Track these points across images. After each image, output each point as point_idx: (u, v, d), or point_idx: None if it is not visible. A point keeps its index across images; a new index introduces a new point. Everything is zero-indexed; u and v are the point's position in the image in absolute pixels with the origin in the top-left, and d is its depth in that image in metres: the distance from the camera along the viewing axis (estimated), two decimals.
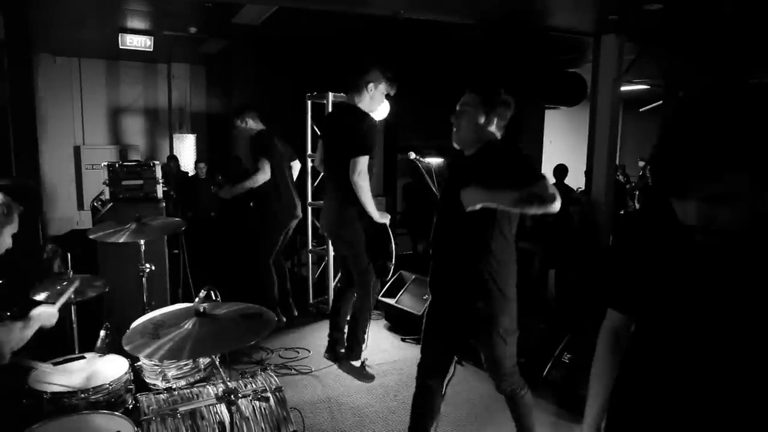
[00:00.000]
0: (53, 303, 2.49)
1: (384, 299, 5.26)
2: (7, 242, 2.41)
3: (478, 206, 2.35)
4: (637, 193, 9.97)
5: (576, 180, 8.69)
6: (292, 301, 5.35)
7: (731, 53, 6.46)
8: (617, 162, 8.35)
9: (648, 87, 10.60)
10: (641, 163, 11.94)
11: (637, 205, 11.07)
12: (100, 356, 2.76)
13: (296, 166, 5.35)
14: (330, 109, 5.02)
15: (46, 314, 2.38)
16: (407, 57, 6.89)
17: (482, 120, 2.61)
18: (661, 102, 10.76)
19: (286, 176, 5.08)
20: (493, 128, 2.63)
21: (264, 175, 4.73)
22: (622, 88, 6.67)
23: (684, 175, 1.10)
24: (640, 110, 12.08)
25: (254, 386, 2.58)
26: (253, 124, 4.96)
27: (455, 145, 2.72)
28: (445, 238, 2.66)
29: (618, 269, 1.54)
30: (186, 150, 9.89)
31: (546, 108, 9.78)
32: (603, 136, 6.29)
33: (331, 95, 5.35)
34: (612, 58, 6.10)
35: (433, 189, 3.62)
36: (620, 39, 6.09)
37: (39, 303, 2.65)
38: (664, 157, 1.15)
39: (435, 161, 3.88)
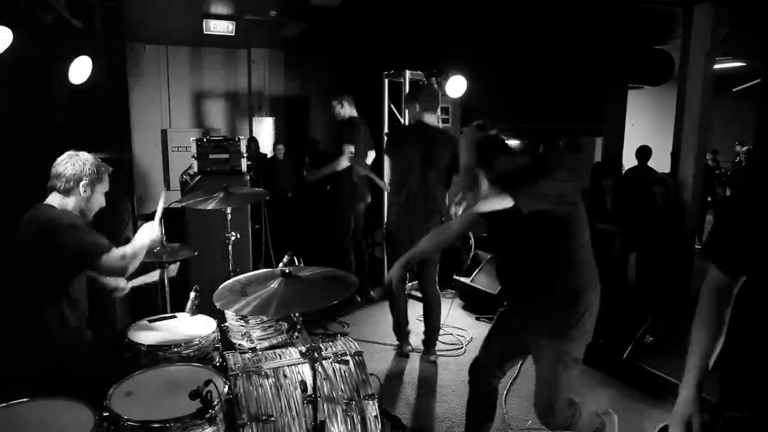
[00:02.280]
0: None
1: (459, 278, 5.26)
2: (101, 200, 2.61)
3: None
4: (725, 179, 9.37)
5: (659, 163, 8.29)
6: (368, 284, 5.44)
7: None
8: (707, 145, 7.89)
9: (743, 64, 9.87)
10: (739, 148, 11.16)
11: (728, 192, 10.42)
12: (190, 316, 2.92)
13: (371, 154, 5.39)
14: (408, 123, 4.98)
15: (147, 229, 2.60)
16: (482, 36, 6.78)
17: None
18: (758, 81, 10.01)
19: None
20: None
21: (347, 161, 4.83)
22: (714, 66, 6.25)
23: None
24: (734, 90, 11.29)
25: (334, 349, 2.65)
26: (348, 109, 5.07)
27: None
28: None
29: (728, 231, 1.54)
30: (264, 132, 10.20)
31: (629, 88, 9.35)
32: (693, 115, 5.93)
33: (408, 73, 5.36)
34: (705, 29, 5.73)
35: None
36: (715, 8, 5.70)
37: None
38: None
39: (511, 143, 3.83)
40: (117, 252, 2.46)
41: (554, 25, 6.85)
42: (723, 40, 6.19)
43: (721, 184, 10.38)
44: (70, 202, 2.52)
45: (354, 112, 5.09)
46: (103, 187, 2.62)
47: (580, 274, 2.37)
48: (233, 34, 7.92)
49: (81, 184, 2.51)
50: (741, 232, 1.49)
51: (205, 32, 7.77)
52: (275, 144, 8.53)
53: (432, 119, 4.06)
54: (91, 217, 2.62)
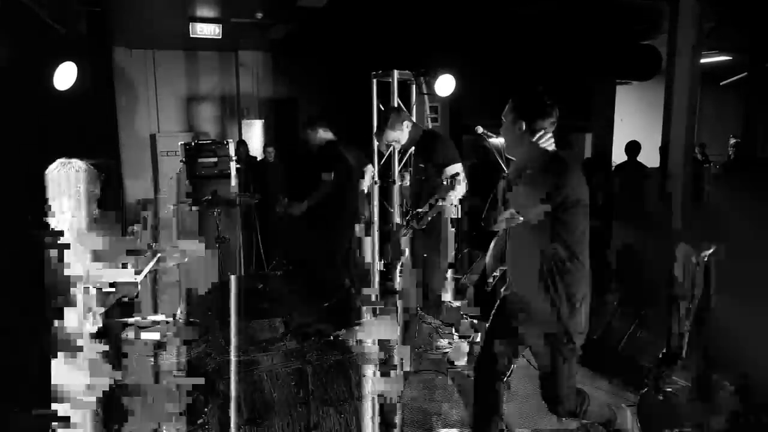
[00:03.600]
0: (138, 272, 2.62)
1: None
2: (96, 206, 2.57)
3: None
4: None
5: (649, 158, 8.34)
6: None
7: None
8: (695, 138, 7.93)
9: (730, 58, 9.93)
10: (733, 141, 11.17)
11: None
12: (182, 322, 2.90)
13: (369, 170, 5.33)
14: None
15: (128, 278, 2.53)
16: (470, 35, 6.79)
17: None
18: (745, 74, 10.08)
19: (354, 186, 5.08)
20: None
21: (326, 188, 4.74)
22: (701, 60, 6.29)
23: None
24: (721, 83, 11.37)
25: (328, 351, 2.64)
26: (323, 134, 4.99)
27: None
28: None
29: None
30: (254, 135, 10.16)
31: (617, 83, 9.40)
32: (680, 109, 5.96)
33: (396, 73, 5.35)
34: (691, 23, 5.76)
35: (502, 165, 3.56)
36: (700, 2, 5.73)
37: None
38: None
39: (501, 141, 3.82)
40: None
41: (542, 22, 6.87)
42: (709, 34, 6.23)
43: (710, 178, 10.41)
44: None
45: (330, 136, 4.99)
46: (96, 195, 2.58)
47: (576, 266, 2.43)
48: (220, 37, 7.89)
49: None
50: None
51: (191, 35, 7.73)
52: (265, 147, 8.49)
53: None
54: None
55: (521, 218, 2.35)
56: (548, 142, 2.50)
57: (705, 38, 6.04)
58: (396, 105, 5.54)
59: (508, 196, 2.44)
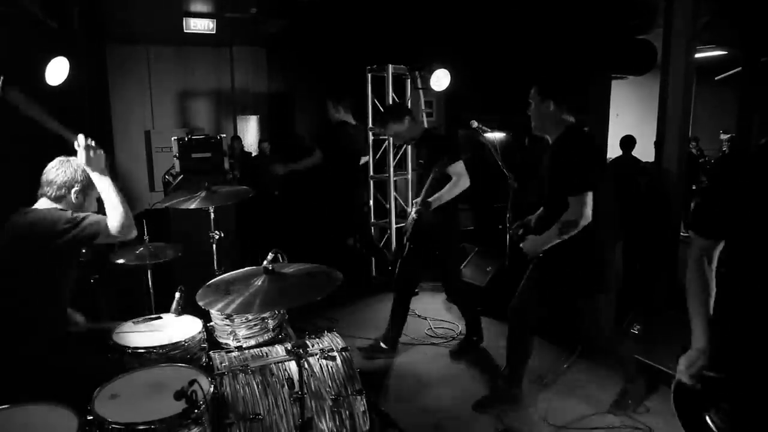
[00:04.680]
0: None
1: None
2: (94, 206, 2.57)
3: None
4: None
5: (644, 153, 8.34)
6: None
7: None
8: (690, 133, 7.93)
9: (725, 53, 9.93)
10: (723, 136, 11.21)
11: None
12: (175, 317, 2.90)
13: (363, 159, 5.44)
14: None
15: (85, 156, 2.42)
16: (465, 29, 6.76)
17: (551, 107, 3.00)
18: (739, 69, 10.08)
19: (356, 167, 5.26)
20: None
21: (313, 160, 4.88)
22: (696, 55, 6.28)
23: None
24: (716, 78, 11.37)
25: (321, 345, 2.64)
26: (340, 114, 5.12)
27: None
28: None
29: (703, 199, 1.88)
30: (250, 130, 10.14)
31: (612, 78, 9.38)
32: (675, 103, 5.96)
33: (390, 67, 5.34)
34: (686, 17, 5.76)
35: (497, 159, 3.56)
36: None
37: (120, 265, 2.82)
38: None
39: (496, 136, 3.83)
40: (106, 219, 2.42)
41: (537, 16, 6.86)
42: (704, 28, 6.22)
43: (705, 172, 10.43)
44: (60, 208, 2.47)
45: (343, 117, 5.12)
46: (96, 193, 2.55)
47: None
48: (214, 32, 7.86)
49: (73, 191, 2.46)
50: (715, 198, 1.81)
51: (185, 31, 7.69)
52: (260, 142, 8.49)
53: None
54: None
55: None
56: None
57: (699, 33, 6.04)
58: (391, 99, 5.55)
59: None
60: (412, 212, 3.84)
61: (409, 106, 5.77)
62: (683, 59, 5.83)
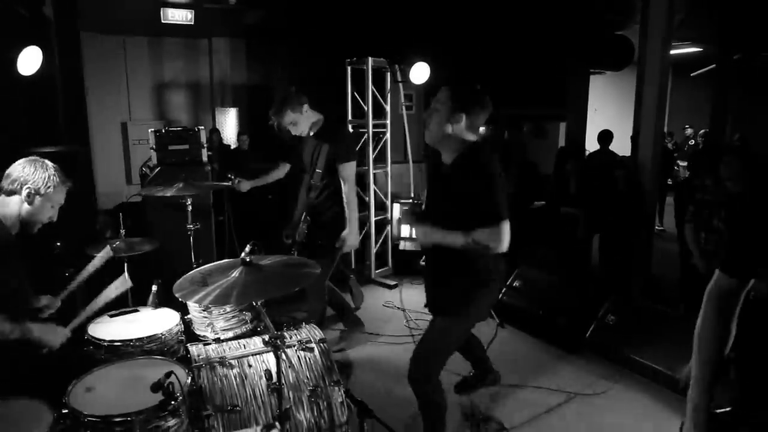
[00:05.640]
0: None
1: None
2: (48, 214, 2.44)
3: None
4: (683, 164, 9.58)
5: (620, 147, 8.47)
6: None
7: None
8: (666, 128, 8.07)
9: (700, 50, 10.11)
10: (689, 131, 11.46)
11: (687, 174, 10.68)
12: (152, 309, 2.88)
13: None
14: None
15: (51, 332, 2.33)
16: (445, 23, 6.78)
17: (452, 120, 2.50)
18: (714, 66, 10.27)
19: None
20: (464, 130, 2.52)
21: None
22: (672, 52, 6.38)
23: None
24: (692, 74, 11.58)
25: (299, 337, 2.64)
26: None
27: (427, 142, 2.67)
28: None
29: (732, 233, 1.60)
30: (228, 123, 10.04)
31: (591, 73, 9.49)
32: (650, 99, 6.06)
33: (370, 60, 5.33)
34: (661, 14, 5.84)
35: None
36: None
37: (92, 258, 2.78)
38: None
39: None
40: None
41: (516, 11, 6.90)
42: (678, 26, 6.33)
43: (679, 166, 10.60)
44: (11, 204, 2.36)
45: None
46: (54, 201, 2.43)
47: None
48: (192, 23, 7.76)
49: (24, 188, 2.33)
50: (744, 233, 1.49)
51: (163, 21, 7.59)
52: (239, 135, 8.42)
53: None
54: (35, 229, 2.44)
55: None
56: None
57: (675, 30, 6.14)
58: (371, 92, 5.53)
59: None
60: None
61: (388, 99, 5.79)
62: (659, 55, 5.92)
